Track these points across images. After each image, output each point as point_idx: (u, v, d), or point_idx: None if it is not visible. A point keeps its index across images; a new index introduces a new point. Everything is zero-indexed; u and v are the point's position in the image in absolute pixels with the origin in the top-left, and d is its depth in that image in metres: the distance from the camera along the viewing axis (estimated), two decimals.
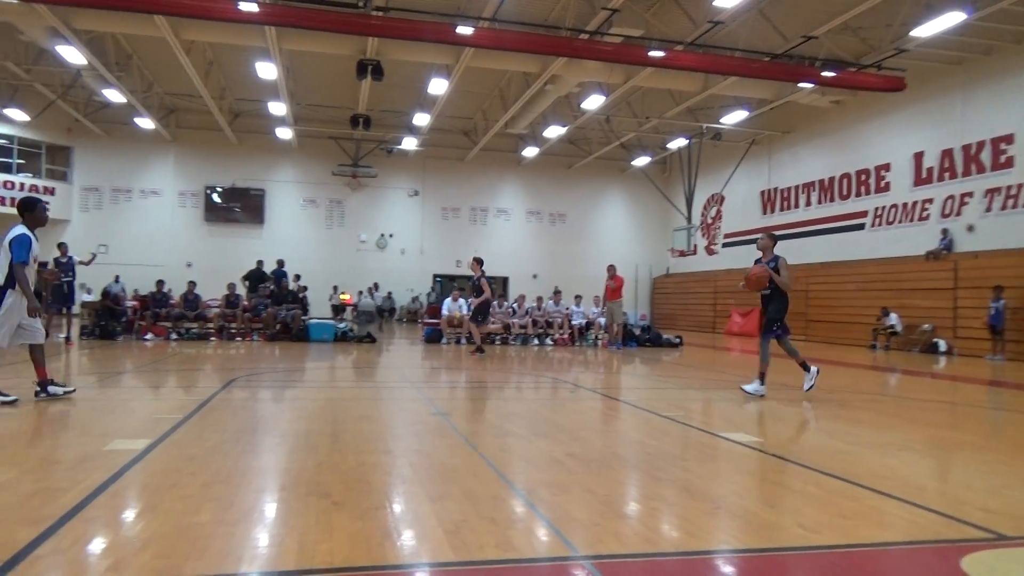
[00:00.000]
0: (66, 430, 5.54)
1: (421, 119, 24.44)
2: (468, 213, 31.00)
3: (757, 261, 8.16)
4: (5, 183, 25.51)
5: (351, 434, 5.33)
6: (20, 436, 5.22)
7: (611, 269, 16.97)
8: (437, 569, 2.67)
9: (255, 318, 16.51)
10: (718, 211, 28.81)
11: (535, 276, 30.25)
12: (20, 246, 6.25)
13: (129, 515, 3.30)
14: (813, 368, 8.04)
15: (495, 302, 18.41)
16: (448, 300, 17.35)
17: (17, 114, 23.83)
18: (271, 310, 16.50)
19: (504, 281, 30.65)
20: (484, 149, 28.39)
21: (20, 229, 6.39)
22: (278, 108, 23.54)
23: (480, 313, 14.04)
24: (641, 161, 28.94)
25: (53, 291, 13.63)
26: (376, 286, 28.23)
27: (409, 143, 27.69)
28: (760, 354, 8.02)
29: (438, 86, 20.46)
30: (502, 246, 30.80)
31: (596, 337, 17.80)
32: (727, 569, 2.88)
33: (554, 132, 25.35)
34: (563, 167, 31.11)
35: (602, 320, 17.61)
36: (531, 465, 4.49)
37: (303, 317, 16.89)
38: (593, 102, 21.42)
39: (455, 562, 2.72)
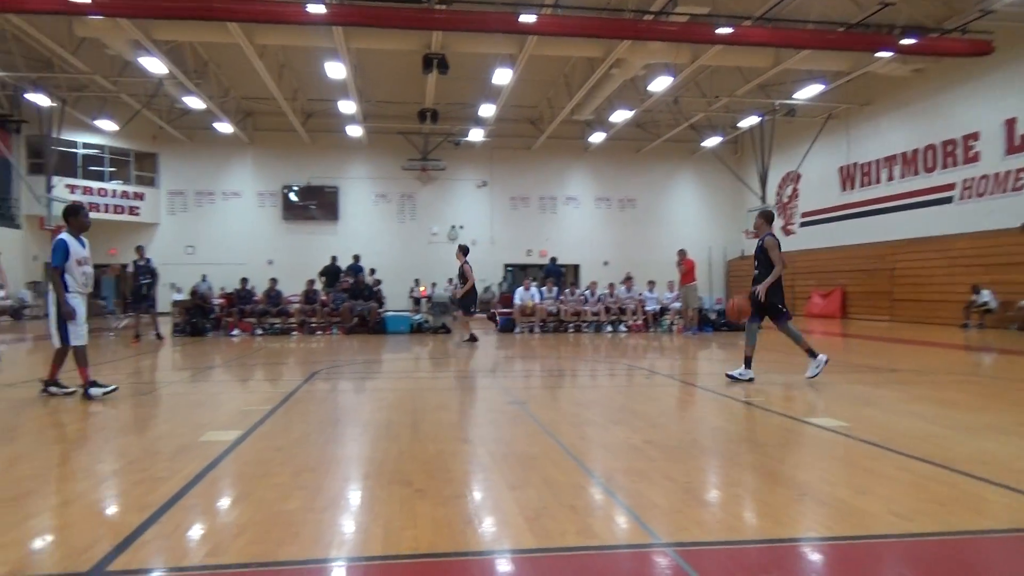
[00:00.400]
0: (164, 422, 5.84)
1: (487, 110, 24.52)
2: (537, 202, 30.98)
3: (761, 241, 7.81)
4: (99, 190, 27.07)
5: (430, 424, 5.44)
6: (124, 428, 5.54)
7: (681, 253, 16.70)
8: (519, 556, 2.70)
9: (334, 312, 16.99)
10: (794, 189, 27.90)
11: (606, 263, 30.01)
12: (56, 251, 6.62)
13: (225, 502, 3.46)
14: (821, 356, 7.69)
15: (567, 290, 18.39)
16: (520, 289, 17.43)
17: (107, 124, 25.14)
18: (348, 304, 16.94)
19: (575, 268, 30.55)
20: (550, 137, 28.29)
21: (61, 235, 6.75)
22: (348, 107, 24.03)
23: (469, 303, 14.18)
24: (712, 142, 28.28)
25: (132, 293, 14.32)
26: (451, 280, 28.55)
27: (476, 134, 27.85)
28: (747, 338, 7.89)
29: (503, 76, 20.49)
30: (572, 234, 30.68)
31: (671, 323, 17.56)
32: (815, 557, 2.82)
33: (621, 116, 25.03)
34: (631, 151, 30.70)
35: (676, 305, 17.35)
36: (609, 452, 4.48)
37: (379, 310, 17.27)
38: (660, 84, 21.02)
39: (537, 549, 2.75)
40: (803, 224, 27.27)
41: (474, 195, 30.78)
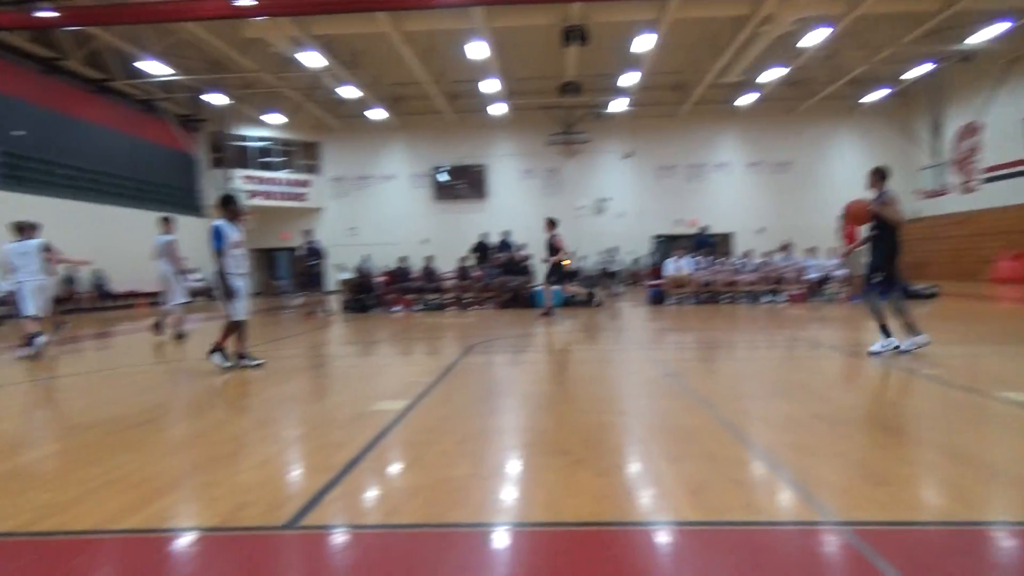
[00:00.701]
0: (339, 393, 6.30)
1: (629, 79, 24.04)
2: (684, 170, 30.11)
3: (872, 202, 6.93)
4: (270, 179, 29.42)
5: (585, 396, 5.50)
6: (306, 398, 6.03)
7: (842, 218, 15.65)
8: (681, 528, 2.69)
9: (487, 288, 17.48)
10: (974, 143, 25.26)
11: (761, 230, 28.73)
12: (213, 236, 7.35)
13: (397, 467, 3.70)
14: (922, 336, 6.86)
15: (720, 259, 17.79)
16: (671, 260, 17.08)
17: (274, 118, 27.13)
18: (500, 279, 17.37)
19: (728, 237, 29.48)
20: (697, 103, 27.31)
21: (216, 221, 7.46)
22: (491, 86, 24.40)
23: (553, 274, 13.53)
24: (875, 96, 26.12)
25: (302, 273, 15.39)
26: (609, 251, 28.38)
27: (619, 105, 27.41)
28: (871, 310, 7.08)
29: (644, 43, 19.97)
30: (723, 202, 29.60)
31: (836, 291, 16.55)
32: (1009, 543, 2.60)
33: (772, 76, 23.67)
34: (784, 112, 29.01)
35: (841, 272, 16.32)
36: (772, 427, 4.33)
37: (530, 284, 17.57)
38: (814, 38, 19.65)
39: (700, 522, 2.73)
40: (987, 180, 24.67)
41: (619, 166, 30.38)
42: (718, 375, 6.60)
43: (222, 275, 7.46)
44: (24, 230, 10.03)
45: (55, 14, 17.25)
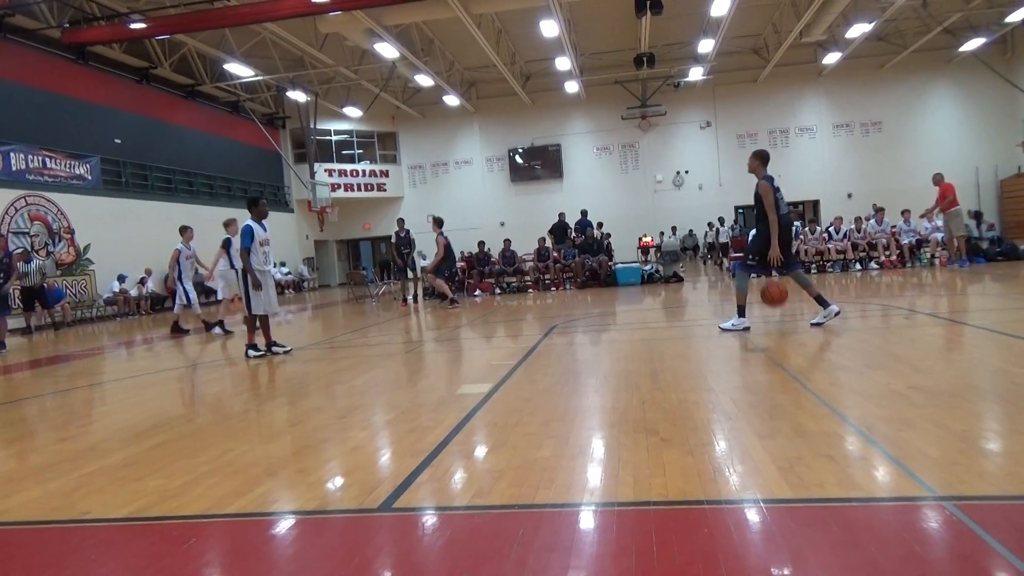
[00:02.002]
0: (425, 377, 6.44)
1: (706, 45, 23.35)
2: (766, 136, 29.06)
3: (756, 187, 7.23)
4: (351, 171, 30.16)
5: (670, 373, 5.43)
6: (393, 383, 6.19)
7: (936, 178, 14.79)
8: (776, 506, 2.63)
9: (566, 268, 17.44)
10: None
11: (850, 195, 27.52)
12: (243, 236, 8.01)
13: (483, 450, 3.75)
14: (833, 306, 7.24)
15: (807, 228, 17.15)
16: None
17: (352, 111, 27.75)
18: (579, 259, 17.29)
19: (815, 204, 28.40)
20: (778, 65, 26.26)
21: (245, 221, 8.11)
22: (564, 63, 24.18)
23: (444, 268, 15.07)
24: (973, 44, 24.43)
25: (395, 261, 15.77)
26: (674, 229, 27.85)
27: (696, 73, 26.69)
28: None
29: (721, 6, 19.32)
30: (808, 167, 28.47)
31: (932, 255, 15.71)
32: None
33: (858, 31, 22.46)
34: (873, 68, 27.55)
35: (938, 236, 15.45)
36: (867, 399, 4.17)
37: (609, 263, 17.43)
38: None
39: (794, 499, 2.67)
40: None
41: (698, 137, 29.64)
42: (808, 348, 6.38)
43: (248, 271, 8.03)
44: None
45: (145, 25, 18.12)
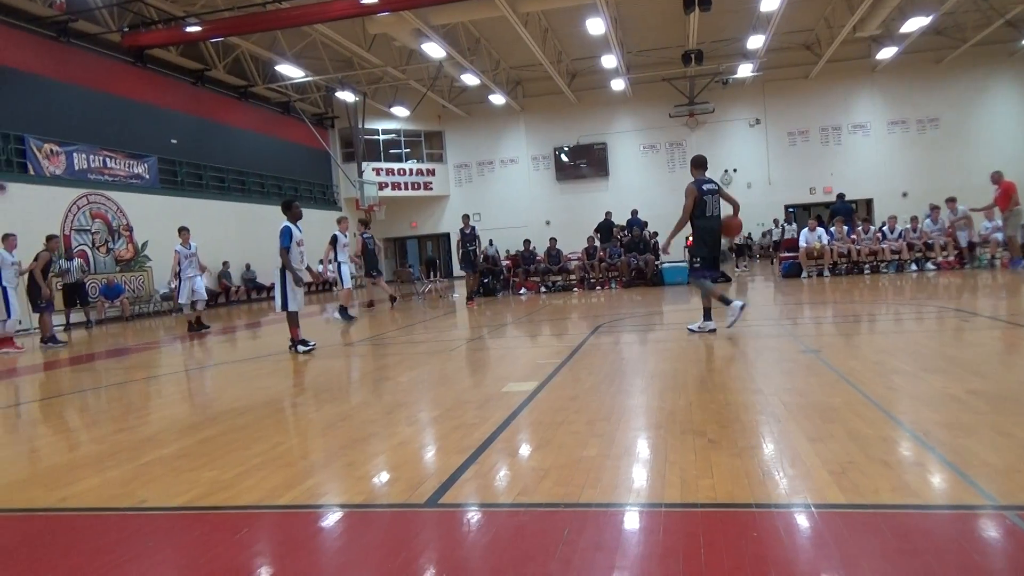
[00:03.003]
0: (470, 375, 6.47)
1: (756, 41, 22.95)
2: (818, 134, 28.46)
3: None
4: (398, 170, 30.50)
5: (717, 374, 5.35)
6: (439, 380, 6.24)
7: (994, 176, 14.29)
8: (827, 511, 2.58)
9: (612, 267, 17.34)
10: None
11: (905, 194, 26.74)
12: (283, 236, 8.37)
13: (529, 448, 3.76)
14: (736, 302, 7.52)
15: (860, 227, 16.72)
16: (806, 231, 16.24)
17: (400, 111, 28.05)
18: (625, 258, 17.18)
19: (868, 203, 27.68)
20: (830, 61, 25.68)
21: (283, 223, 8.48)
22: (610, 61, 24.04)
23: (371, 268, 15.42)
24: None
25: (463, 257, 15.93)
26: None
27: (745, 70, 26.26)
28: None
29: (771, 1, 18.97)
30: (861, 165, 27.78)
31: (992, 256, 15.16)
32: None
33: (915, 25, 21.81)
34: (930, 64, 26.73)
35: (999, 236, 14.90)
36: (924, 404, 4.05)
37: (656, 262, 17.26)
38: None
39: (847, 504, 2.60)
40: None
41: (747, 135, 29.17)
42: (861, 350, 6.23)
43: (289, 269, 8.38)
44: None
45: (200, 28, 18.60)
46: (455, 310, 14.35)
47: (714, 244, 7.65)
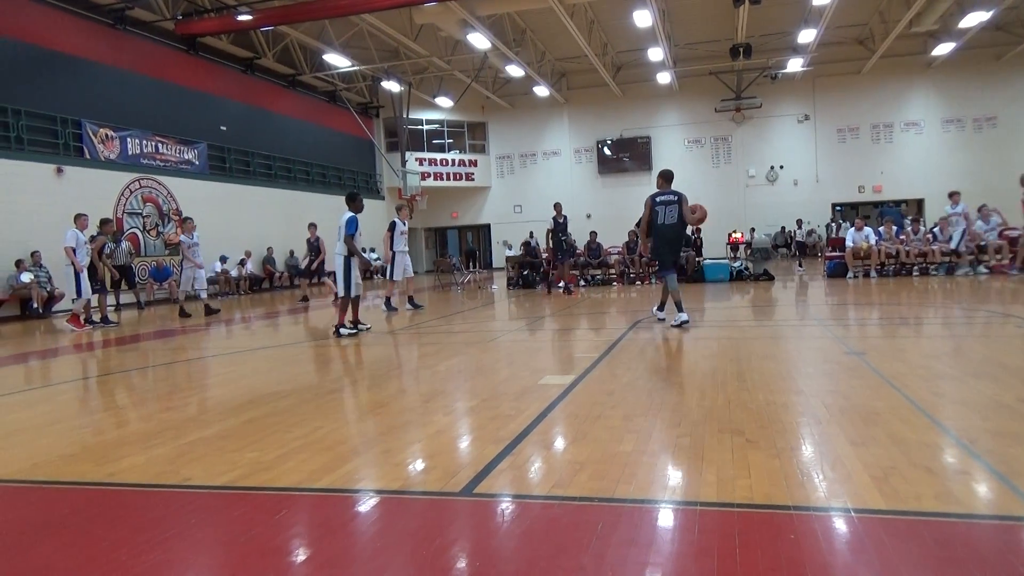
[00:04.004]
0: (507, 367, 6.49)
1: (806, 35, 22.46)
2: (869, 132, 27.77)
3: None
4: (441, 160, 30.64)
5: (757, 373, 5.28)
6: (476, 371, 6.28)
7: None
8: (867, 516, 2.53)
9: (652, 262, 17.18)
10: None
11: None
12: (349, 225, 8.86)
13: (564, 441, 3.76)
14: (683, 315, 8.21)
15: (909, 228, 16.29)
16: (852, 230, 15.87)
17: (444, 101, 28.16)
18: None
19: (919, 203, 26.95)
20: (884, 56, 25.01)
21: (348, 214, 8.93)
22: (656, 54, 23.78)
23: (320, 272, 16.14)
24: None
25: (556, 245, 15.90)
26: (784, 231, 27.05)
27: (795, 65, 25.73)
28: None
29: None
30: (913, 163, 27.05)
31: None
32: None
33: (974, 20, 21.08)
34: (989, 60, 25.84)
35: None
36: (971, 410, 3.94)
37: (697, 258, 17.07)
38: None
39: (888, 510, 2.55)
40: None
41: (795, 131, 28.60)
42: (908, 353, 6.08)
43: (357, 255, 8.89)
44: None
45: (251, 17, 18.90)
46: (494, 301, 14.39)
47: (666, 247, 8.53)
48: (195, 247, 13.36)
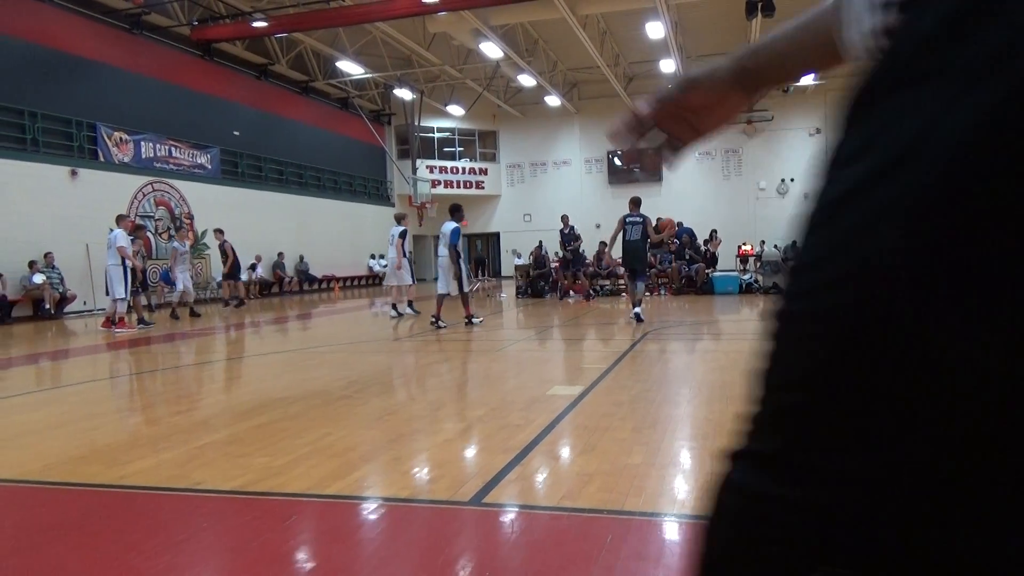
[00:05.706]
0: (516, 376, 6.49)
1: None
2: None
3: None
4: (452, 168, 30.72)
5: None
6: (485, 380, 6.29)
7: None
8: None
9: (661, 273, 17.17)
10: None
11: None
12: (454, 235, 10.30)
13: (573, 452, 3.76)
14: (637, 309, 10.05)
15: None
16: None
17: (455, 109, 28.26)
18: (675, 265, 16.99)
19: None
20: None
21: (453, 224, 10.35)
22: (668, 65, 23.83)
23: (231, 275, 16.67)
24: None
25: (563, 257, 16.19)
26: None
27: (807, 78, 25.69)
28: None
29: None
30: None
31: None
32: None
33: None
34: None
35: None
36: None
37: (707, 270, 17.04)
38: None
39: None
40: None
41: (806, 144, 28.55)
42: None
43: (457, 261, 10.33)
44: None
45: (266, 23, 19.06)
46: (502, 309, 14.40)
47: (631, 257, 10.36)
48: (185, 254, 14.02)
